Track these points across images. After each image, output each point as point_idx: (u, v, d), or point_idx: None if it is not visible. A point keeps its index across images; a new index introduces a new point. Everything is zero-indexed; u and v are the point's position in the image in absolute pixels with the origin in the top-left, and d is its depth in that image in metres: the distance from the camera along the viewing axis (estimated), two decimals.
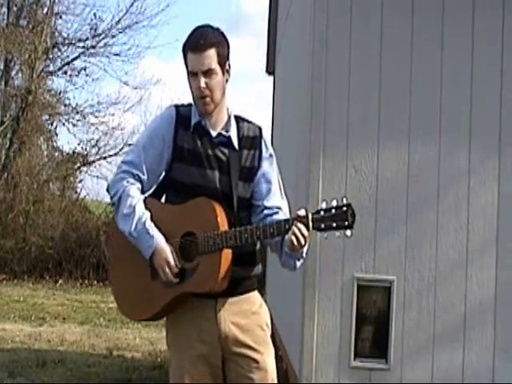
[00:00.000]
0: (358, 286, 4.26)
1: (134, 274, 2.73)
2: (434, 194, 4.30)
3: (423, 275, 4.28)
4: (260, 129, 2.83)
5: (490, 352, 4.24)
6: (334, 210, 2.50)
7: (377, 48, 4.34)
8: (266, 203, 2.74)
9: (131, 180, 2.71)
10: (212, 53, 2.65)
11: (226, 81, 2.74)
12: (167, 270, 2.60)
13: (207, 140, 2.73)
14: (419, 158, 4.32)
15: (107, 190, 2.78)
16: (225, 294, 2.67)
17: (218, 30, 2.74)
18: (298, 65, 5.64)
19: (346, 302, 4.25)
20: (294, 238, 2.51)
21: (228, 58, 2.74)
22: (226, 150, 2.73)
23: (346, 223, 2.48)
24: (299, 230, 2.50)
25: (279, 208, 2.74)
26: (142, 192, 2.75)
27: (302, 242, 2.52)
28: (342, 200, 2.51)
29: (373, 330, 4.30)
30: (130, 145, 17.46)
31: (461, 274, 4.28)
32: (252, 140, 2.78)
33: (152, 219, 2.66)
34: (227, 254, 2.59)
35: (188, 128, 2.73)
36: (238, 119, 2.81)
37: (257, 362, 2.70)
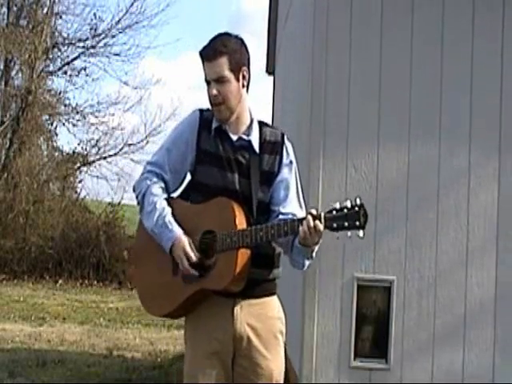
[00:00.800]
0: (357, 285, 4.26)
1: (156, 271, 2.81)
2: (434, 194, 4.30)
3: (423, 275, 4.28)
4: (282, 135, 2.88)
5: (490, 352, 4.24)
6: (346, 210, 2.53)
7: (377, 48, 4.34)
8: (282, 209, 2.77)
9: (154, 179, 2.81)
10: (222, 61, 2.72)
11: (244, 86, 2.79)
12: (185, 261, 2.65)
13: (228, 144, 2.78)
14: (419, 158, 4.32)
15: (133, 190, 2.89)
16: (243, 295, 2.71)
17: (236, 37, 2.80)
18: (298, 65, 5.64)
19: (346, 302, 4.25)
20: (307, 231, 2.53)
21: (244, 64, 2.78)
22: (246, 154, 2.78)
23: (358, 223, 2.51)
24: (315, 225, 2.53)
25: (294, 215, 2.75)
26: (168, 192, 2.83)
27: (316, 237, 2.54)
28: (356, 200, 2.53)
29: (373, 330, 4.30)
30: (130, 145, 17.54)
31: (461, 274, 4.28)
32: (273, 145, 2.82)
33: (176, 217, 2.74)
34: (244, 254, 2.63)
35: (210, 132, 2.79)
36: (262, 124, 2.86)
37: (263, 368, 2.76)
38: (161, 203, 2.76)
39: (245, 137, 2.79)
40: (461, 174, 4.32)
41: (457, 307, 4.27)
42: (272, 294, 2.84)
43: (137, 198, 2.87)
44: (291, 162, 2.85)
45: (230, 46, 2.74)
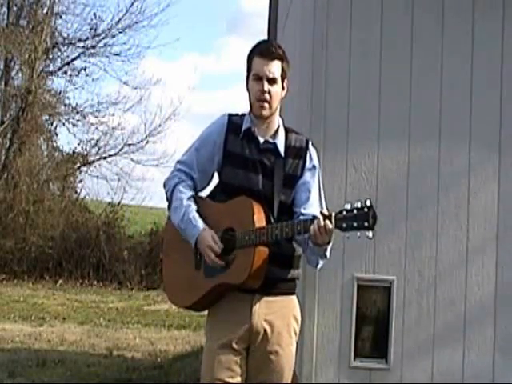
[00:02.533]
0: (358, 285, 4.26)
1: (180, 263, 2.95)
2: (433, 194, 4.30)
3: (423, 275, 4.28)
4: (307, 141, 2.99)
5: (490, 352, 4.24)
6: (356, 211, 2.60)
7: (377, 48, 4.34)
8: (303, 211, 2.87)
9: (183, 177, 2.95)
10: (279, 64, 2.87)
11: (282, 97, 2.94)
12: (211, 254, 2.78)
13: (254, 146, 2.90)
14: (419, 158, 4.32)
15: (163, 186, 3.01)
16: (262, 292, 2.82)
17: (281, 47, 2.95)
18: (298, 65, 5.64)
19: (346, 302, 4.25)
20: (316, 227, 2.62)
21: (287, 78, 2.93)
22: (271, 157, 2.90)
23: (367, 224, 2.58)
24: (325, 224, 2.61)
25: (315, 217, 2.82)
26: (195, 190, 2.96)
27: (324, 234, 2.63)
28: (365, 202, 2.60)
29: (373, 330, 4.30)
30: (130, 145, 17.51)
31: (461, 274, 4.27)
32: (298, 150, 2.94)
33: (201, 215, 2.88)
34: (262, 251, 2.75)
35: (238, 134, 2.91)
36: (288, 130, 2.98)
37: (274, 363, 2.86)
38: (187, 200, 2.90)
39: (271, 140, 2.91)
40: (461, 173, 4.32)
41: (457, 307, 4.27)
42: (291, 293, 2.94)
43: (166, 194, 3.00)
44: (314, 166, 2.96)
45: (286, 57, 2.91)
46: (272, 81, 2.85)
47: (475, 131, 4.32)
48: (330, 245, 2.73)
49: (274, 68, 2.85)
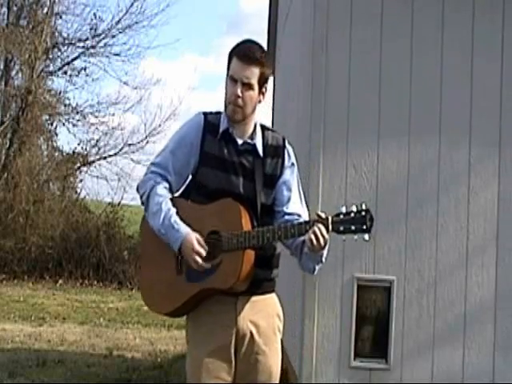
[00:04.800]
0: (357, 285, 4.26)
1: (161, 270, 2.84)
2: (434, 194, 4.30)
3: (423, 275, 4.28)
4: (284, 138, 2.95)
5: (490, 352, 4.24)
6: (353, 214, 2.62)
7: (377, 47, 4.34)
8: (286, 210, 2.84)
9: (158, 179, 2.84)
10: (256, 70, 2.79)
11: (259, 102, 2.87)
12: (197, 258, 2.68)
13: (233, 147, 2.84)
14: (419, 158, 4.32)
15: (137, 190, 2.91)
16: (246, 293, 2.77)
17: (265, 52, 2.88)
18: (298, 64, 5.64)
19: (346, 302, 4.25)
20: (313, 237, 2.60)
21: (267, 82, 2.86)
22: (250, 158, 2.84)
23: (364, 227, 2.62)
24: (319, 229, 2.60)
25: (299, 215, 2.82)
26: (171, 192, 2.86)
27: (322, 242, 2.61)
28: (362, 205, 2.63)
29: (373, 330, 4.30)
30: (130, 145, 17.50)
31: (461, 274, 4.27)
32: (275, 149, 2.89)
33: (182, 217, 2.77)
34: (250, 254, 2.69)
35: (216, 135, 2.84)
36: (263, 128, 2.92)
37: (263, 364, 2.82)
38: (166, 204, 2.79)
39: (250, 141, 2.85)
40: (461, 173, 4.32)
41: (457, 307, 4.27)
42: (272, 291, 2.90)
43: (141, 198, 2.89)
44: (293, 164, 2.92)
45: (265, 61, 2.83)
46: (247, 86, 2.78)
47: (475, 131, 4.33)
48: (326, 249, 2.69)
49: (250, 73, 2.78)
